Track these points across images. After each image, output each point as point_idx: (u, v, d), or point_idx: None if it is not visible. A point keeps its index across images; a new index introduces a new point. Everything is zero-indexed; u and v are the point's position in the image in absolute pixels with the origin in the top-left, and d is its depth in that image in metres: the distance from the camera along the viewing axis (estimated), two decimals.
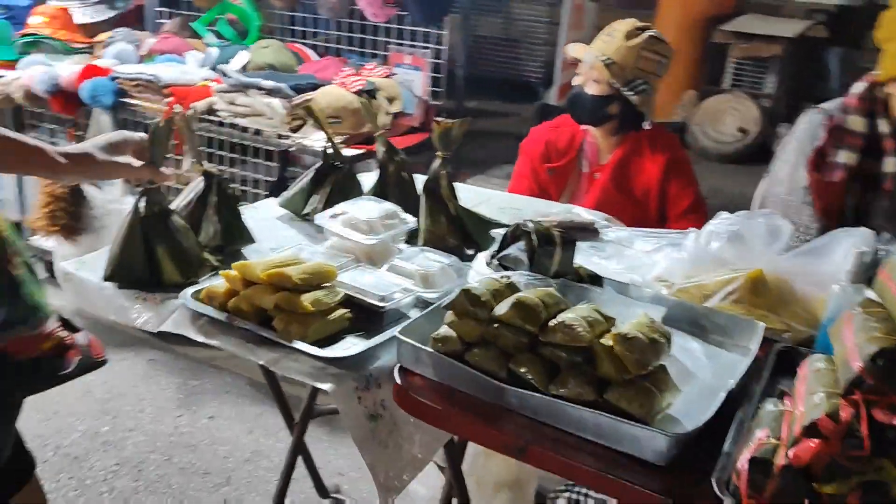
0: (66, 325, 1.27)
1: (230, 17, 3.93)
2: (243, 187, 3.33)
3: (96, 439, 2.89)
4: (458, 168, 3.74)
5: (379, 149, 1.97)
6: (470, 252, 1.76)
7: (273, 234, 1.85)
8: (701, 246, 1.56)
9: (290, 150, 3.09)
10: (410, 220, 1.74)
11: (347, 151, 2.75)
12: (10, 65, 3.62)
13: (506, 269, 1.45)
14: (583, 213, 2.08)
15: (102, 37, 3.81)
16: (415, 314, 1.44)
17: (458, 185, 1.90)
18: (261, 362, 1.38)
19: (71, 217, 3.43)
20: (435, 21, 3.43)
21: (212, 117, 3.17)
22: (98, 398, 3.10)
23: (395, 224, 1.70)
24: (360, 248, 1.66)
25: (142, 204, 1.58)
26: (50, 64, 3.47)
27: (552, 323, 1.18)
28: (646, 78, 2.45)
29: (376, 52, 3.60)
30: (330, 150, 1.97)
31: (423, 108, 3.38)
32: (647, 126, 2.52)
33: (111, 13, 4.16)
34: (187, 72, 3.35)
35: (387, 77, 3.30)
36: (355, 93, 3.05)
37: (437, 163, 1.80)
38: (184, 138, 1.70)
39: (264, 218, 1.95)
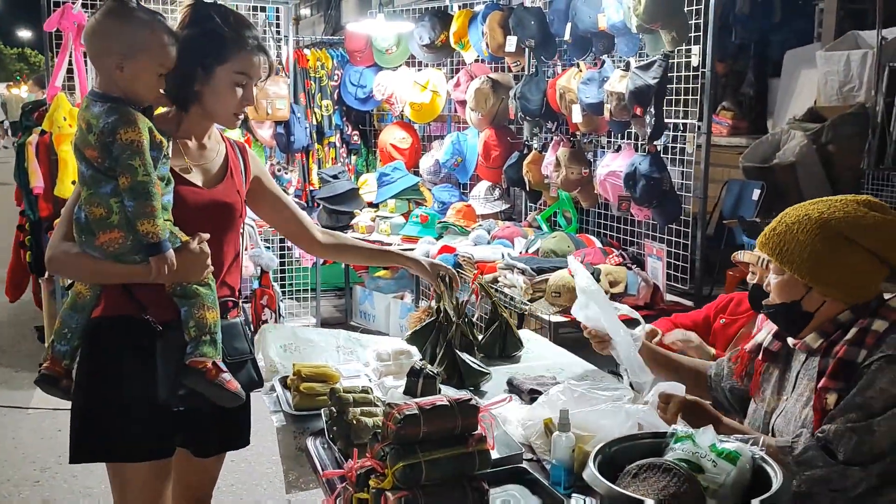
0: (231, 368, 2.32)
1: (566, 212, 5.25)
2: None
3: None
4: None
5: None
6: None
7: None
8: None
9: (525, 313, 4.22)
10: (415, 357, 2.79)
11: None
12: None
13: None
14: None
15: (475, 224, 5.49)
16: None
17: None
18: None
19: None
20: (670, 223, 4.22)
21: (495, 285, 4.49)
22: None
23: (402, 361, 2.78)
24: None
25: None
26: (432, 243, 5.24)
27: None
28: None
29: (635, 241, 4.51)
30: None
31: (651, 292, 4.12)
32: None
33: (502, 207, 5.86)
34: (496, 252, 4.74)
35: (619, 265, 4.19)
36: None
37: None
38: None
39: None
